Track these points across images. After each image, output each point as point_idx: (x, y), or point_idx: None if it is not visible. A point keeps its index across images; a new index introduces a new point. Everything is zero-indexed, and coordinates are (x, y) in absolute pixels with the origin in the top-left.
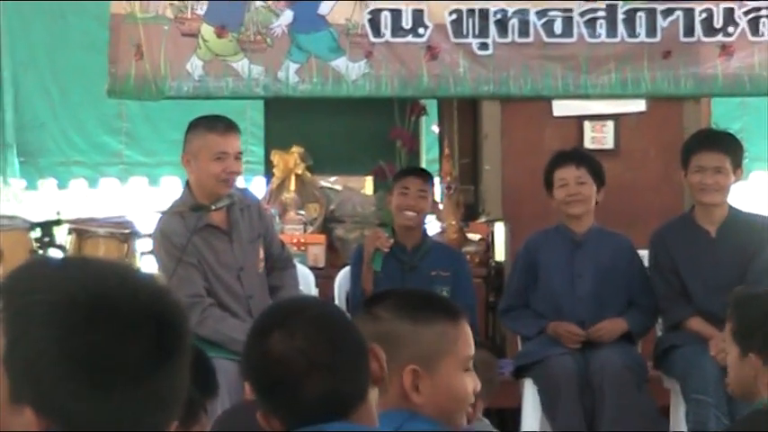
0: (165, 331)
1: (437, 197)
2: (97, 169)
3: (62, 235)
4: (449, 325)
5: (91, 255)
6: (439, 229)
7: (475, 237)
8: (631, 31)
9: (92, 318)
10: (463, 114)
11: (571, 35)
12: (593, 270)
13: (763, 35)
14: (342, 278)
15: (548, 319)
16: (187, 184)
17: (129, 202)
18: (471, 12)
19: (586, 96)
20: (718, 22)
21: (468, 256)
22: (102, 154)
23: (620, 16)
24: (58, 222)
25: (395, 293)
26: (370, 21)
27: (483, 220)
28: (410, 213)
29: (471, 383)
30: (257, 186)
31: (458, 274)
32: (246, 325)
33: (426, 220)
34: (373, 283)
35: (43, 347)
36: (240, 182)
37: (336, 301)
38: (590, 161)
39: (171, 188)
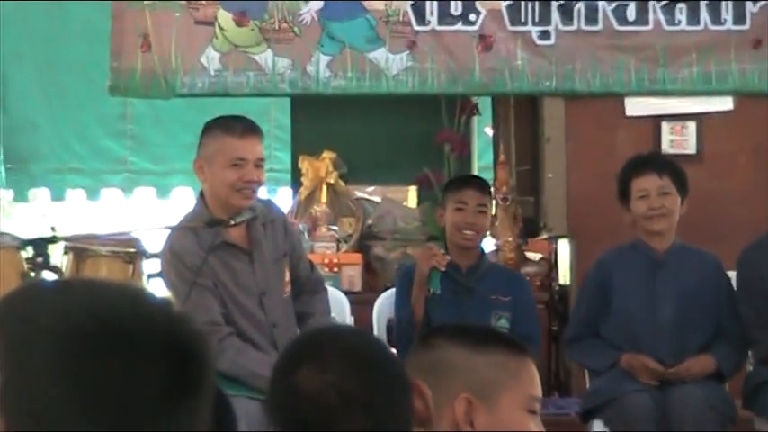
0: (185, 364)
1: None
2: (98, 178)
3: (57, 254)
4: (510, 356)
5: (92, 277)
6: (494, 248)
7: (535, 256)
8: (716, 18)
9: (101, 349)
10: (521, 114)
11: (646, 22)
12: (676, 293)
13: None
14: (382, 304)
15: (622, 350)
16: (201, 196)
17: (134, 216)
18: None
19: (664, 93)
20: None
21: (528, 279)
22: (104, 160)
23: (703, 1)
24: (52, 240)
25: (452, 324)
26: (413, 6)
27: (544, 236)
28: (469, 233)
29: (535, 427)
30: (283, 198)
31: (519, 300)
32: (270, 358)
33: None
34: (425, 308)
35: (45, 383)
36: (263, 193)
37: (375, 331)
38: (674, 169)
39: (183, 200)
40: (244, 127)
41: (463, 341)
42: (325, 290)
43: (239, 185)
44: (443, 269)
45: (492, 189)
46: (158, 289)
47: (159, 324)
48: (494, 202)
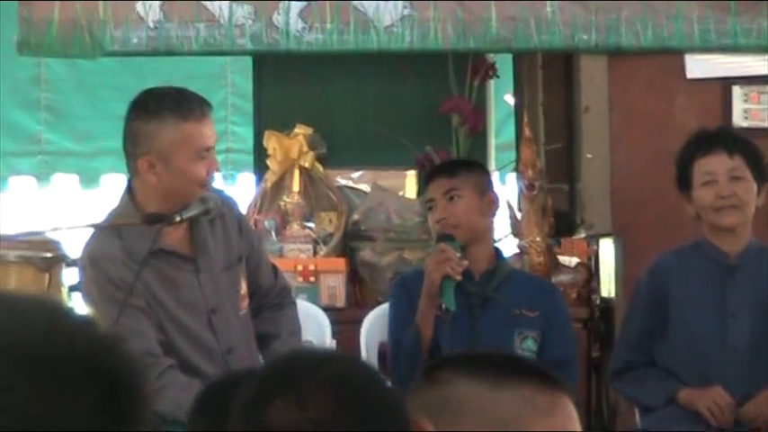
0: (116, 394)
1: (511, 198)
2: (4, 162)
3: None
4: (540, 390)
5: None
6: (517, 250)
7: (570, 261)
8: None
9: (13, 378)
10: (552, 77)
11: None
12: (752, 308)
13: None
14: (372, 323)
15: (682, 380)
16: (129, 191)
17: (52, 211)
18: None
19: (735, 49)
20: None
21: (561, 290)
22: (13, 139)
23: None
24: None
25: (464, 353)
26: None
27: (582, 235)
28: (453, 233)
29: None
30: (243, 186)
31: (550, 316)
32: None
33: (495, 231)
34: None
35: None
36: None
37: (364, 356)
38: (748, 147)
39: (114, 189)
40: (200, 106)
41: (479, 373)
42: (293, 303)
43: (208, 179)
44: (459, 278)
45: (512, 174)
46: (81, 303)
47: (80, 346)
48: (516, 189)
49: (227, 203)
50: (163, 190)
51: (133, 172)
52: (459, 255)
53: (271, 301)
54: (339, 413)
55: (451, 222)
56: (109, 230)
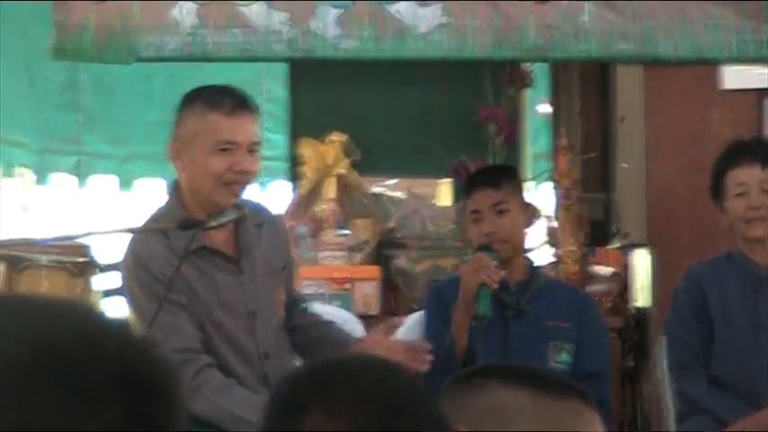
0: (145, 401)
1: (548, 208)
2: (44, 158)
3: None
4: (582, 405)
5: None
6: (552, 258)
7: (605, 270)
8: None
9: (37, 382)
10: (588, 86)
11: None
12: None
13: None
14: (406, 330)
15: (736, 392)
16: (175, 189)
17: (89, 211)
18: None
19: None
20: None
21: (596, 299)
22: (51, 138)
23: None
24: None
25: (504, 364)
26: None
27: (617, 244)
28: (496, 246)
29: None
30: (278, 193)
31: (585, 327)
32: (260, 398)
33: (528, 241)
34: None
35: None
36: (252, 189)
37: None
38: None
39: (149, 193)
40: (235, 101)
41: (520, 382)
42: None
43: (228, 177)
44: (496, 286)
45: (548, 183)
46: (115, 309)
47: (111, 349)
48: (552, 198)
49: (269, 214)
50: (189, 182)
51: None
52: (496, 264)
53: (294, 310)
54: (374, 423)
55: (501, 237)
56: (153, 232)
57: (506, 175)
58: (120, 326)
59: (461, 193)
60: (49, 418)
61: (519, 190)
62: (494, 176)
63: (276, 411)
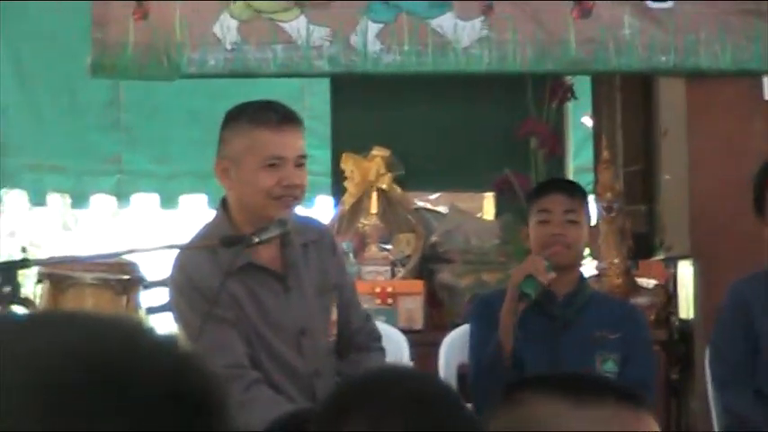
0: (195, 416)
1: (592, 222)
2: (83, 181)
3: (30, 283)
4: (625, 410)
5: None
6: (595, 271)
7: (649, 282)
8: None
9: (88, 397)
10: (630, 99)
11: None
12: None
13: None
14: (451, 344)
15: None
16: (223, 205)
17: (132, 230)
18: None
19: None
20: None
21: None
22: (92, 159)
23: None
24: (23, 263)
25: (542, 373)
26: None
27: (661, 257)
28: (557, 249)
29: None
30: (322, 208)
31: (631, 338)
32: None
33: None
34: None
35: None
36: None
37: (443, 378)
38: None
39: (194, 211)
40: (280, 116)
41: (560, 392)
42: (382, 349)
43: (278, 192)
44: (546, 282)
45: (590, 196)
46: (160, 326)
47: (163, 365)
48: (594, 211)
49: (320, 231)
50: (239, 199)
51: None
52: (547, 265)
53: (359, 342)
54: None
55: (567, 242)
56: (199, 249)
57: (580, 190)
58: (170, 342)
59: (530, 197)
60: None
61: (587, 209)
62: (569, 186)
63: (319, 419)
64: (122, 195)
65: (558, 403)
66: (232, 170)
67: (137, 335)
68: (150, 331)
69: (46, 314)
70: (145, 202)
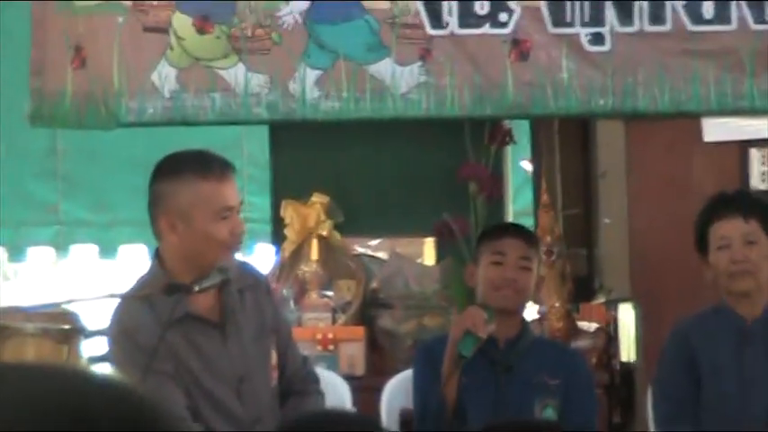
0: None
1: None
2: (20, 232)
3: None
4: None
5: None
6: (537, 315)
7: (590, 326)
8: None
9: None
10: (569, 142)
11: (728, 20)
12: None
13: None
14: (393, 389)
15: None
16: (156, 256)
17: (70, 281)
18: None
19: (752, 111)
20: None
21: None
22: (29, 209)
23: None
24: None
25: (493, 422)
26: (426, 5)
27: (601, 300)
28: (507, 293)
29: None
30: (261, 256)
31: (572, 383)
32: None
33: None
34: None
35: None
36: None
37: (384, 423)
38: (765, 211)
39: (133, 261)
40: (221, 166)
41: None
42: (321, 393)
43: (230, 241)
44: (484, 336)
45: None
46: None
47: (125, 408)
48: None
49: (255, 276)
50: (186, 252)
51: (157, 235)
52: (486, 317)
53: (296, 387)
54: None
55: (518, 287)
56: (137, 299)
57: (535, 239)
58: (122, 383)
59: (484, 237)
60: None
61: (539, 258)
62: (526, 233)
63: None
64: (61, 246)
65: None
66: (180, 225)
67: (90, 379)
68: (100, 375)
69: (14, 366)
70: (84, 252)
